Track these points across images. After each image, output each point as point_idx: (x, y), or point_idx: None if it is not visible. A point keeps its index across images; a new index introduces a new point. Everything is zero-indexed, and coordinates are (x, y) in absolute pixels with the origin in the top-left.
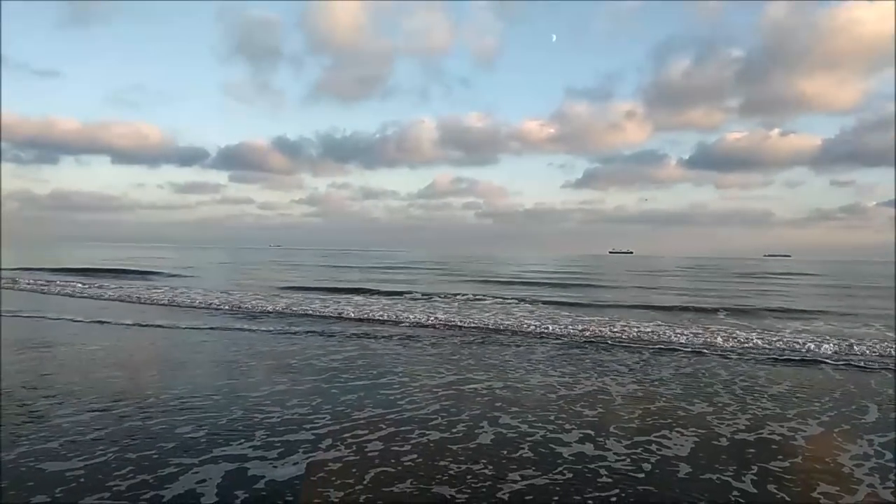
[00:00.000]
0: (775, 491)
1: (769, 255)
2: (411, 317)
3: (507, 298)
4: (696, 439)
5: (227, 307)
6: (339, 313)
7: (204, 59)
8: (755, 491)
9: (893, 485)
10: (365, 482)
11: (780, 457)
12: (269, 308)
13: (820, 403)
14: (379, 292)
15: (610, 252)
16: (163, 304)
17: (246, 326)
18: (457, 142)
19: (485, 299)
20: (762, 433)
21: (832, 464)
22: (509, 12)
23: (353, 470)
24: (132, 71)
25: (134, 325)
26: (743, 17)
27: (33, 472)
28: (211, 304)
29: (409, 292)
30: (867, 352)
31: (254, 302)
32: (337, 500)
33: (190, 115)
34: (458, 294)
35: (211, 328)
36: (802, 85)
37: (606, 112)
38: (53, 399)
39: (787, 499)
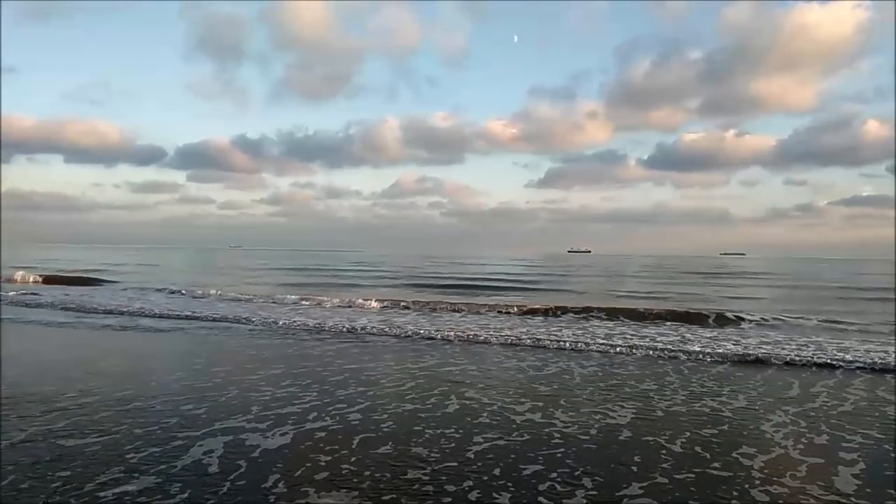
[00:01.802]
0: (700, 451)
1: (725, 254)
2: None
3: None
4: (635, 412)
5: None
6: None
7: (167, 57)
8: (682, 451)
9: (803, 446)
10: (352, 446)
11: (709, 425)
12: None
13: (752, 382)
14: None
15: (569, 251)
16: None
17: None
18: (422, 141)
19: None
20: (695, 406)
21: (754, 430)
22: (478, 11)
23: (339, 437)
24: (93, 68)
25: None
26: (705, 18)
27: (51, 447)
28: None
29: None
30: (811, 347)
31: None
32: (325, 463)
33: (151, 114)
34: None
35: (208, 324)
36: (760, 86)
37: (570, 112)
38: (55, 386)
39: (709, 458)
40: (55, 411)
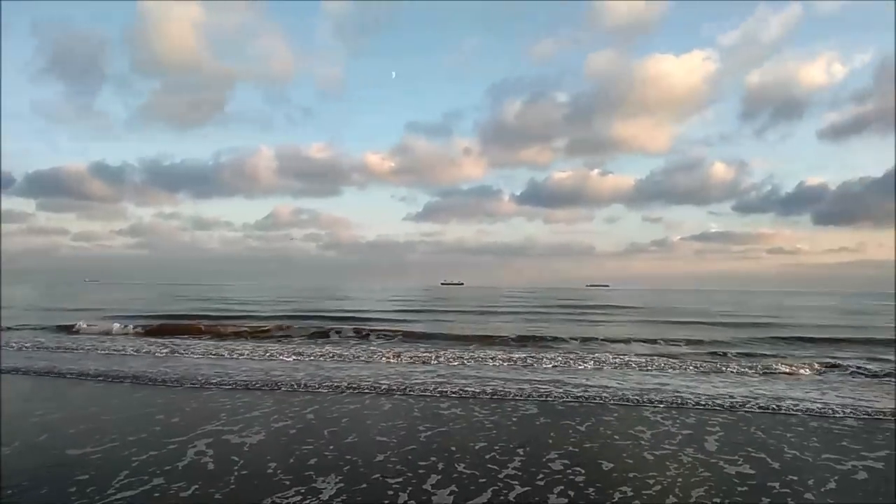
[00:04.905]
0: (602, 429)
1: (591, 286)
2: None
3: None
4: (538, 408)
5: None
6: None
7: (13, 77)
8: (585, 431)
9: (679, 423)
10: (324, 438)
11: (603, 414)
12: None
13: (620, 381)
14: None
15: (442, 283)
16: None
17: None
18: (298, 172)
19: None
20: (585, 402)
21: (636, 416)
22: (355, 44)
23: (309, 430)
24: None
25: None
26: (571, 63)
27: (58, 457)
28: None
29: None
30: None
31: None
32: (308, 451)
33: None
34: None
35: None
36: (620, 128)
37: (446, 148)
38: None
39: (610, 433)
40: (51, 430)
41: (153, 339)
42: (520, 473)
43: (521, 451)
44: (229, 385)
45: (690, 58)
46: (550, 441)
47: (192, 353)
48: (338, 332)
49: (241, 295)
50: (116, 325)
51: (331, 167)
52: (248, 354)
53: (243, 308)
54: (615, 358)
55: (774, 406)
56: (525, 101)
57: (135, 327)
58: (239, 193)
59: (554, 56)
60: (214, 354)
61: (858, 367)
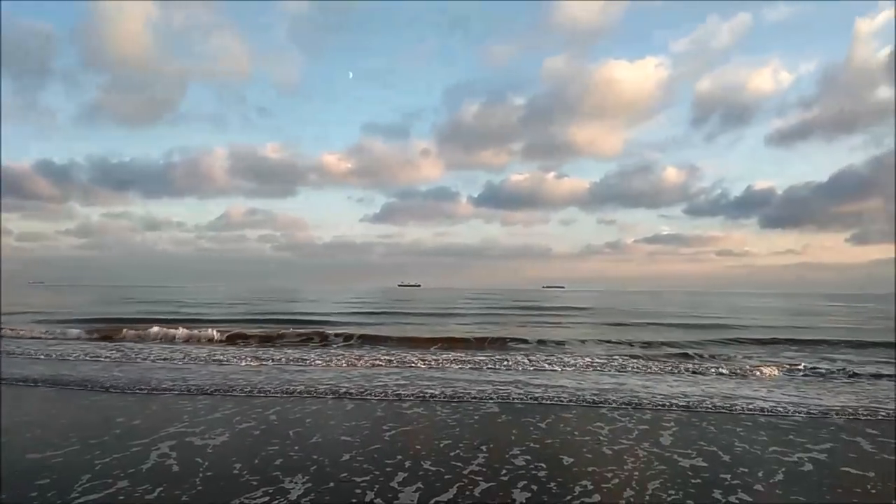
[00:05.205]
0: (562, 426)
1: (547, 287)
2: None
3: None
4: (499, 407)
5: None
6: None
7: None
8: (546, 427)
9: (635, 420)
10: (289, 439)
11: (562, 412)
12: None
13: (578, 380)
14: None
15: (399, 285)
16: None
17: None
18: (252, 172)
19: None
20: (543, 402)
21: (595, 414)
22: (312, 44)
23: (273, 431)
24: None
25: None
26: (527, 67)
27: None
28: None
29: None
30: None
31: None
32: (273, 452)
33: None
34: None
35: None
36: (575, 132)
37: (403, 149)
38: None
39: (570, 429)
40: (7, 435)
41: (103, 344)
42: (484, 469)
43: (484, 448)
44: (188, 389)
45: (644, 64)
46: (513, 438)
47: (145, 357)
48: (296, 335)
49: (194, 297)
50: (50, 330)
51: (286, 167)
52: (205, 358)
53: (197, 311)
54: (574, 359)
55: (726, 404)
56: (482, 103)
57: (83, 331)
58: (191, 193)
59: (511, 59)
60: (169, 358)
61: (806, 367)
